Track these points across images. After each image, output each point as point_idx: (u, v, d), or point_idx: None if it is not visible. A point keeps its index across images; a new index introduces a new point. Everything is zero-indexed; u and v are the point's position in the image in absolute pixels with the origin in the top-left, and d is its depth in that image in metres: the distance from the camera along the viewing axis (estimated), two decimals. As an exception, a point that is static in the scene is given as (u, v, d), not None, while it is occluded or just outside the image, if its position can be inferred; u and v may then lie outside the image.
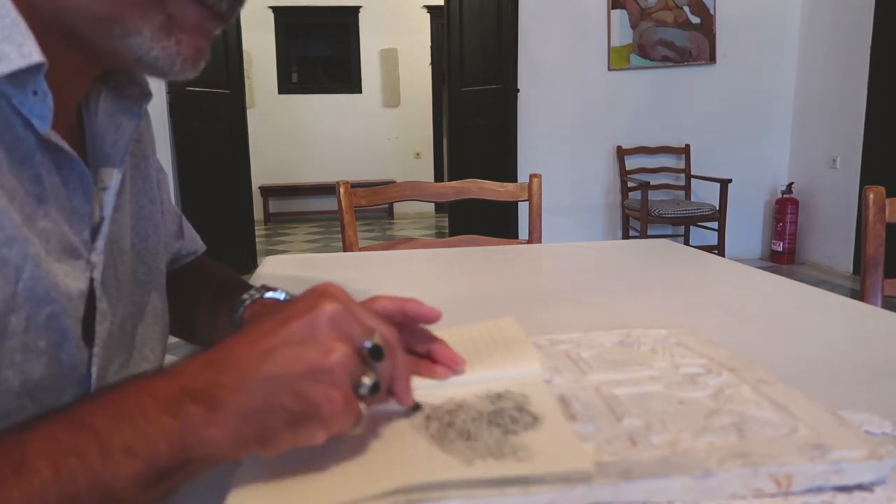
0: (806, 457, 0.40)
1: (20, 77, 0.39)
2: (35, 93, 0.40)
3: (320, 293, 0.41)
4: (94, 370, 0.47)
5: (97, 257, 0.48)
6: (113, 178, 0.50)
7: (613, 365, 0.57)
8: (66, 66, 0.44)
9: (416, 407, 0.47)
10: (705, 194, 4.40)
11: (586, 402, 0.50)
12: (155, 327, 0.59)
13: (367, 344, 0.40)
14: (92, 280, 0.47)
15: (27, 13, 0.39)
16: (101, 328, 0.48)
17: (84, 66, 0.46)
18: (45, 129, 0.41)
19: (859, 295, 1.17)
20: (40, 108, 0.40)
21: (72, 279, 0.45)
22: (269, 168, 6.91)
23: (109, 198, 0.49)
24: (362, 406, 0.39)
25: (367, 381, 0.39)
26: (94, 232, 0.48)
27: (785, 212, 4.39)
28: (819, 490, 0.39)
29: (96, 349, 0.47)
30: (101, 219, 0.49)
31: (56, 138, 0.42)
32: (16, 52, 0.38)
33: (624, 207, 4.35)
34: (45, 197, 0.43)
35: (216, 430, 0.35)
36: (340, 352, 0.38)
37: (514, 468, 0.38)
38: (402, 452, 0.41)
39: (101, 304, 0.48)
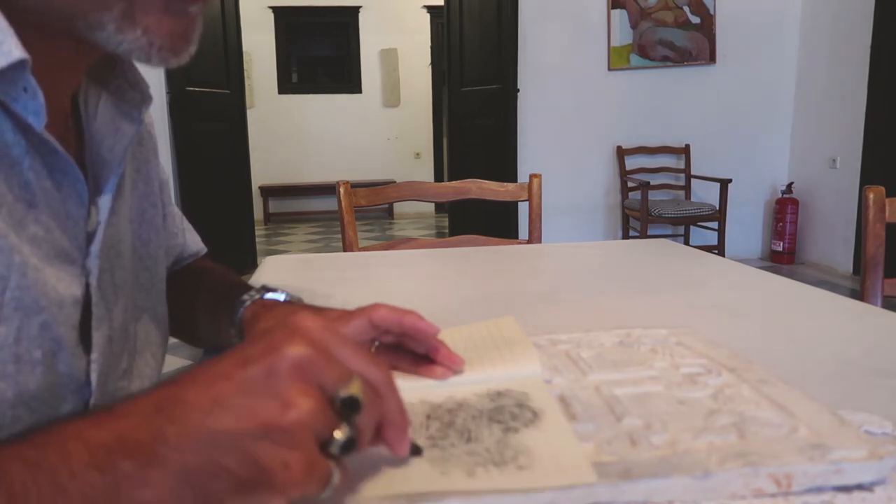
0: (806, 457, 0.40)
1: (8, 75, 0.38)
2: (25, 89, 0.39)
3: (290, 330, 0.35)
4: (93, 377, 0.46)
5: (92, 262, 0.47)
6: (109, 182, 0.49)
7: (613, 365, 0.57)
8: (51, 61, 0.43)
9: (416, 451, 0.41)
10: (705, 194, 4.40)
11: (586, 402, 0.50)
12: (156, 331, 0.59)
13: (341, 395, 0.34)
14: (88, 285, 0.47)
15: (4, 9, 0.38)
16: (99, 334, 0.47)
17: (69, 60, 0.45)
18: (41, 123, 0.40)
19: (859, 295, 1.16)
20: (33, 105, 0.39)
21: (65, 285, 0.44)
22: (269, 168, 6.91)
23: (105, 202, 0.49)
24: (334, 465, 0.33)
25: (339, 436, 0.33)
26: (90, 237, 0.47)
27: (785, 212, 4.39)
28: (819, 490, 0.39)
29: (94, 355, 0.47)
30: (98, 223, 0.48)
31: (49, 138, 0.42)
32: None
33: (624, 207, 4.35)
34: (36, 202, 0.42)
35: (150, 491, 0.30)
36: (301, 408, 0.32)
37: (514, 480, 0.38)
38: (405, 460, 0.41)
39: (98, 310, 0.47)
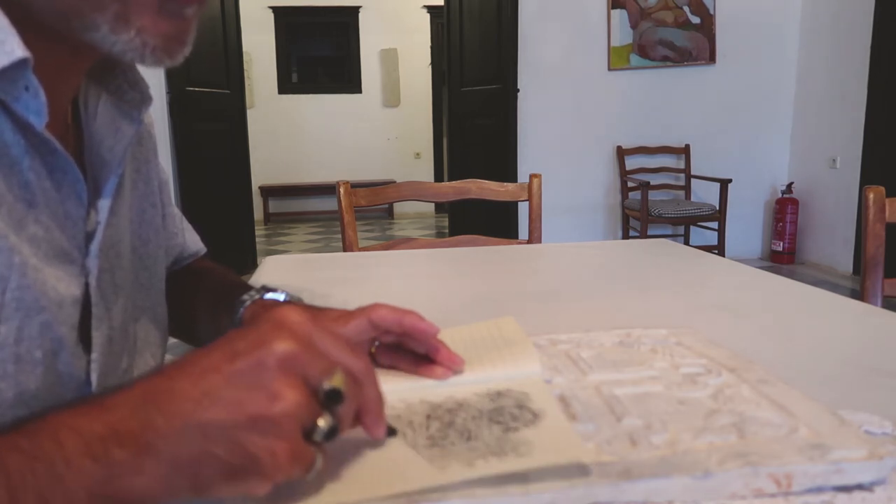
0: (806, 457, 0.40)
1: (9, 74, 0.38)
2: (27, 88, 0.39)
3: (276, 324, 0.37)
4: (93, 377, 0.46)
5: (92, 262, 0.47)
6: (109, 182, 0.49)
7: (613, 365, 0.57)
8: (52, 61, 0.43)
9: (392, 432, 0.44)
10: (705, 194, 4.40)
11: (586, 402, 0.50)
12: (156, 331, 0.59)
13: (325, 386, 0.36)
14: (87, 285, 0.47)
15: (6, 9, 0.38)
16: (98, 334, 0.47)
17: (69, 61, 0.45)
18: (42, 122, 0.40)
19: (859, 295, 1.16)
20: (35, 104, 0.39)
21: (65, 285, 0.44)
22: (269, 168, 6.90)
23: (105, 202, 0.49)
24: (317, 451, 0.36)
25: (322, 425, 0.35)
26: (90, 237, 0.47)
27: (785, 212, 4.39)
28: (819, 490, 0.39)
29: (94, 355, 0.47)
30: (97, 223, 0.48)
31: (50, 138, 0.42)
32: None
33: (624, 207, 4.35)
34: (35, 202, 0.42)
35: (143, 478, 0.31)
36: (287, 400, 0.34)
37: (514, 463, 0.38)
38: (404, 457, 0.41)
39: (97, 310, 0.47)
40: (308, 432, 0.35)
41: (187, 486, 0.33)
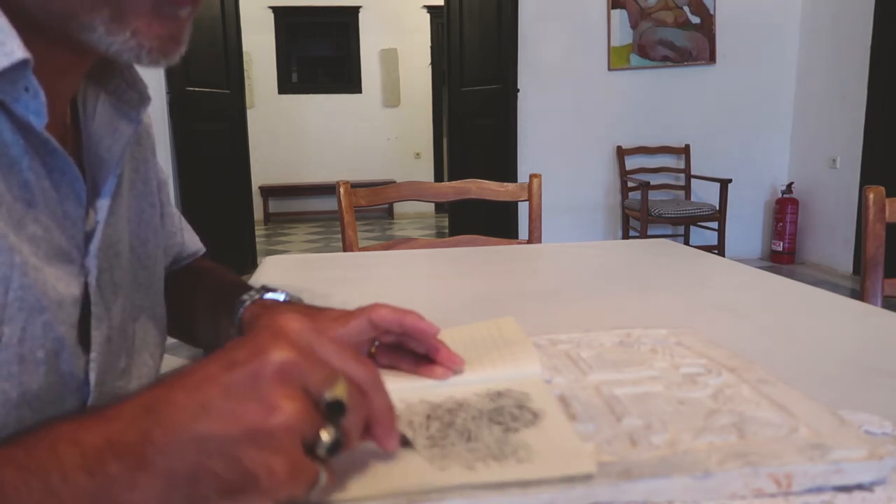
0: (806, 457, 0.40)
1: (9, 75, 0.38)
2: (26, 89, 0.39)
3: (275, 333, 0.35)
4: (92, 376, 0.46)
5: (91, 262, 0.47)
6: (108, 182, 0.49)
7: (613, 365, 0.57)
8: (52, 62, 0.43)
9: (406, 443, 0.42)
10: (705, 194, 4.40)
11: (586, 402, 0.50)
12: (154, 331, 0.59)
13: (326, 397, 0.34)
14: (87, 285, 0.47)
15: (6, 10, 0.39)
16: (97, 333, 0.47)
17: (69, 62, 0.46)
18: (42, 123, 0.40)
19: (859, 295, 1.16)
20: (34, 104, 0.40)
21: (64, 284, 0.44)
22: (269, 168, 6.91)
23: (104, 202, 0.49)
24: (321, 466, 0.34)
25: (325, 438, 0.34)
26: (89, 236, 0.47)
27: (785, 212, 4.39)
28: (819, 490, 0.39)
29: (93, 355, 0.47)
30: (96, 223, 0.48)
31: (49, 138, 0.42)
32: None
33: (624, 207, 4.35)
34: (35, 202, 0.42)
35: (139, 494, 0.31)
36: (286, 411, 0.32)
37: (514, 471, 0.38)
38: (403, 456, 0.41)
39: (97, 309, 0.47)
40: (310, 446, 0.33)
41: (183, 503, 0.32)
